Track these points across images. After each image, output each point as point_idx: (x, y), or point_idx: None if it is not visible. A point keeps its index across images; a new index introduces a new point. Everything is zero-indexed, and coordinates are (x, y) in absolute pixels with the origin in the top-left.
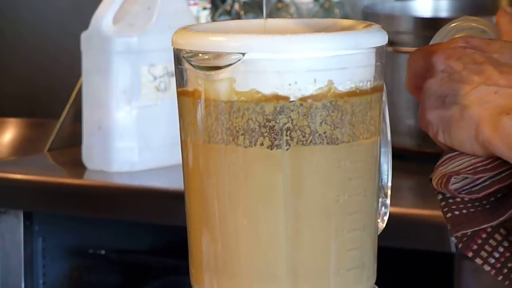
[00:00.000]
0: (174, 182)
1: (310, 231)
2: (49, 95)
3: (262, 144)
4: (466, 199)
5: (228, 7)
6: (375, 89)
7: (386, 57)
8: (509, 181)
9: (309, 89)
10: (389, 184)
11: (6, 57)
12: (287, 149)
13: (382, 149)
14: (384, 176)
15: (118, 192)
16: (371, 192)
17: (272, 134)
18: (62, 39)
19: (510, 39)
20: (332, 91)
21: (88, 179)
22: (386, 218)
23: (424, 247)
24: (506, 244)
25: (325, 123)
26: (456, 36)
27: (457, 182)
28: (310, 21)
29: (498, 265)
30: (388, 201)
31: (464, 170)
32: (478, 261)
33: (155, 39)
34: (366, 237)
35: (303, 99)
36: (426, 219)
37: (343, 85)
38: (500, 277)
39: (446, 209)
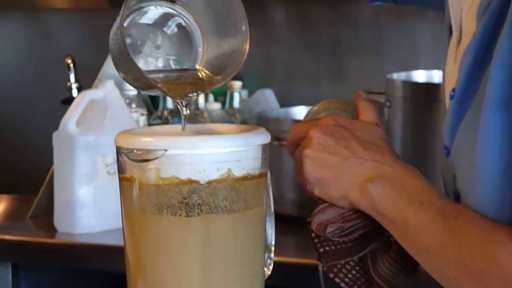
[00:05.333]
0: (121, 240)
1: (217, 277)
2: (30, 178)
3: (180, 215)
4: (336, 240)
5: (159, 113)
6: (262, 175)
7: (273, 149)
8: (367, 228)
9: (214, 175)
10: (273, 242)
11: None
12: (198, 217)
13: (268, 217)
14: (269, 237)
15: (81, 248)
16: (260, 248)
17: (188, 208)
18: (40, 137)
19: (365, 119)
20: (230, 176)
21: (58, 239)
22: (271, 267)
23: (300, 286)
24: (358, 268)
25: (225, 199)
26: (323, 114)
27: (331, 227)
28: (215, 125)
29: (351, 283)
30: (272, 255)
31: (336, 219)
32: (337, 280)
33: (107, 137)
34: (257, 282)
35: (210, 182)
36: (303, 265)
37: (238, 172)
38: None
39: (319, 245)
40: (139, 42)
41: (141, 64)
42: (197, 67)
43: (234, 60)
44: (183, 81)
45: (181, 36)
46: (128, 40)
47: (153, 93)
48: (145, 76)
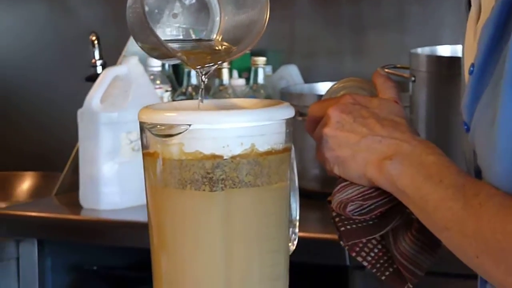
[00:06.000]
0: (145, 216)
1: (240, 252)
2: (55, 155)
3: (204, 190)
4: (356, 218)
5: (183, 89)
6: (286, 149)
7: (297, 124)
8: (387, 206)
9: (237, 150)
10: (297, 217)
11: (23, 129)
12: (222, 192)
13: (292, 192)
14: (294, 212)
15: (106, 224)
16: (284, 223)
17: (211, 183)
18: (65, 114)
19: (384, 96)
20: (254, 151)
21: (83, 215)
22: (295, 242)
23: (325, 261)
24: (380, 246)
25: (249, 174)
26: (341, 92)
27: (351, 206)
28: (239, 100)
29: (373, 261)
30: (296, 230)
31: (356, 197)
32: (359, 258)
33: (131, 113)
34: (280, 257)
35: (233, 157)
36: (327, 241)
37: (262, 147)
38: (374, 270)
39: (340, 224)
40: (156, 11)
41: (158, 33)
42: (214, 37)
43: (252, 30)
44: (202, 51)
45: (198, 5)
46: (145, 8)
47: (171, 61)
48: (163, 44)
